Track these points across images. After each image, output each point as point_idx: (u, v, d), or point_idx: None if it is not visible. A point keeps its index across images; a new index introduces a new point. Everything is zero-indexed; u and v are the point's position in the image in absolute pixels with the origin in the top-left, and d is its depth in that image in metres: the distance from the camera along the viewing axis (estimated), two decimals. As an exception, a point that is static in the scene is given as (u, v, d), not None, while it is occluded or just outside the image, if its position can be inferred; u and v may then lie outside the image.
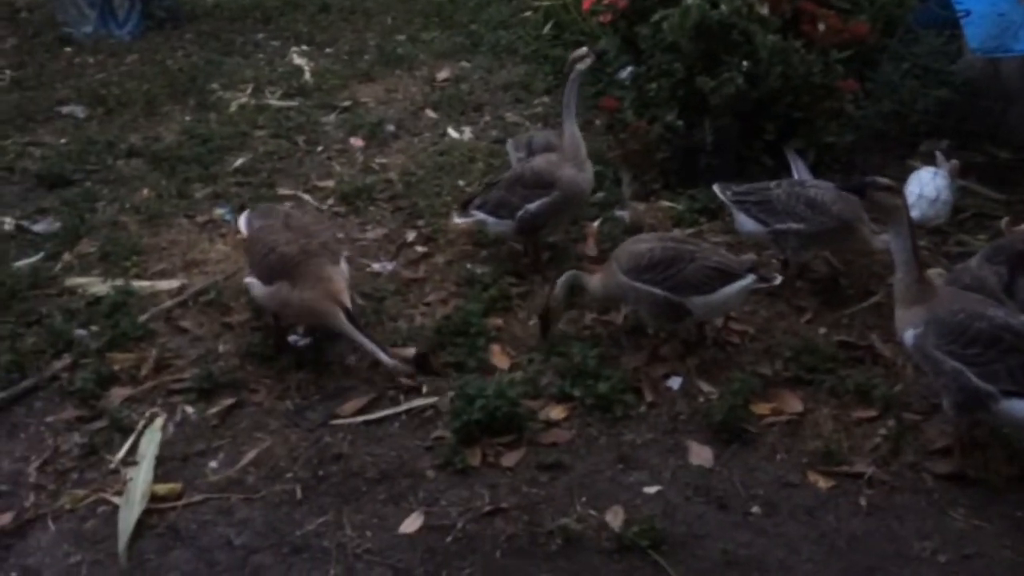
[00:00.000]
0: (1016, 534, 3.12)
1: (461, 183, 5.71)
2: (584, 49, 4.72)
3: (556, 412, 3.74)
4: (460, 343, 4.10)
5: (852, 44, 5.42)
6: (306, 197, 5.59)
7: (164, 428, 3.66)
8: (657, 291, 3.86)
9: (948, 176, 5.04)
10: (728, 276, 3.86)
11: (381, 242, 5.09)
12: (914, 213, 4.81)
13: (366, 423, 3.71)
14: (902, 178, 5.15)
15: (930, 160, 5.15)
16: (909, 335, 3.31)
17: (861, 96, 5.60)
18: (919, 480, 3.38)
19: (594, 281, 4.07)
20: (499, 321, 4.32)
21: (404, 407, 3.79)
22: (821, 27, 5.24)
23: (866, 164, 5.54)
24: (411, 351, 3.94)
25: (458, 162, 6.00)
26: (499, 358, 4.08)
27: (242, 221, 4.38)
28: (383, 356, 3.76)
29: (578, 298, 4.25)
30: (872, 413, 3.69)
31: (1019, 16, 4.52)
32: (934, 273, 4.06)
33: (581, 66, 4.62)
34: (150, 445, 3.56)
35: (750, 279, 3.86)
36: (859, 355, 4.04)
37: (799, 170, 4.96)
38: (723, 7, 5.08)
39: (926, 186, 5.00)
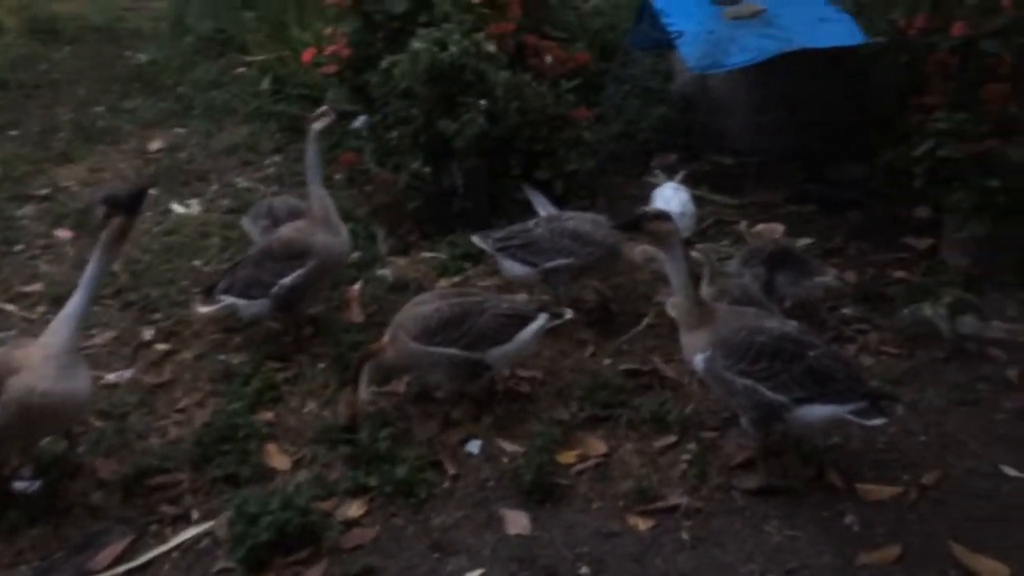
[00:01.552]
0: (827, 537, 3.16)
1: (197, 263, 5.15)
2: (324, 108, 4.44)
3: (354, 509, 3.34)
4: (228, 451, 3.58)
5: (577, 72, 5.52)
6: (10, 308, 4.76)
7: None
8: (455, 351, 3.63)
9: (687, 188, 5.26)
10: (522, 320, 3.72)
11: (112, 346, 4.42)
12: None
13: (129, 572, 3.11)
14: (643, 195, 5.30)
15: (670, 175, 5.34)
16: (699, 360, 3.30)
17: (594, 121, 5.73)
18: (730, 500, 3.36)
19: (385, 358, 3.73)
20: (269, 415, 3.86)
21: (173, 542, 3.23)
22: (548, 59, 5.29)
23: (608, 187, 5.66)
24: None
25: (189, 240, 5.42)
26: (277, 458, 3.63)
27: None
28: (96, 257, 3.30)
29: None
30: (672, 439, 3.65)
31: (726, 33, 4.78)
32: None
33: (318, 125, 4.33)
34: None
35: (543, 319, 3.75)
36: (647, 381, 4.02)
37: (540, 204, 4.93)
38: (452, 48, 4.95)
39: (670, 201, 5.16)
